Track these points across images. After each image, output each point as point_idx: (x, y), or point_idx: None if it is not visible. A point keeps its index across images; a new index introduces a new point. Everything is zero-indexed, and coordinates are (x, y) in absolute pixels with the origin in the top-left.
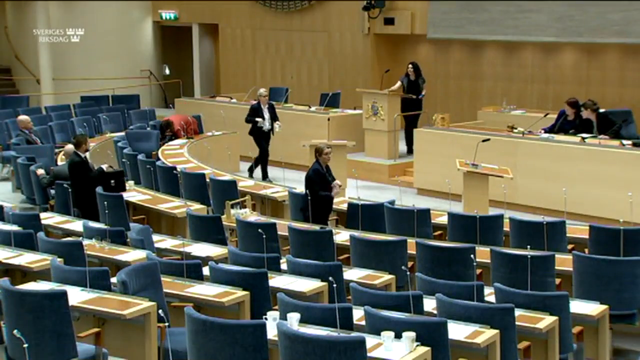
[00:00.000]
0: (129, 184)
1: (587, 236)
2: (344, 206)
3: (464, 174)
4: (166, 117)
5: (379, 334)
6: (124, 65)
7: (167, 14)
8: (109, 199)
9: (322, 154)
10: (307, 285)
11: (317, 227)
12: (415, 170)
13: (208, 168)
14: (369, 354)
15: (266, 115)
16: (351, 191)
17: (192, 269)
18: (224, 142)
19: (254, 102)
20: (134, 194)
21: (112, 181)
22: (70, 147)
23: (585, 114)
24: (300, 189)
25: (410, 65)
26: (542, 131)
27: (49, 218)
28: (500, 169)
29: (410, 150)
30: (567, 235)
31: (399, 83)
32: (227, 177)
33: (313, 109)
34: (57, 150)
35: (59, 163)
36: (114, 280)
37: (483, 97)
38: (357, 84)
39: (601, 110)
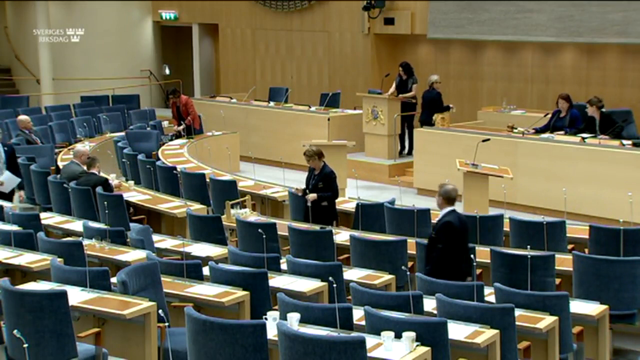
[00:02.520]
0: (129, 184)
1: (587, 236)
2: (344, 206)
3: (464, 174)
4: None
5: (379, 334)
6: (124, 65)
7: (167, 14)
8: (109, 199)
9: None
10: (307, 285)
11: (317, 227)
12: (415, 170)
13: (208, 168)
14: (369, 354)
15: None
16: (351, 191)
17: (192, 269)
18: (224, 142)
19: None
20: (134, 194)
21: None
22: (79, 149)
23: (590, 111)
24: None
25: (400, 67)
26: (533, 130)
27: (49, 218)
28: (500, 169)
29: (401, 151)
30: (567, 235)
31: (393, 86)
32: (227, 177)
33: (313, 109)
34: (57, 150)
35: (60, 163)
36: (114, 280)
37: (483, 97)
38: (357, 84)
39: (604, 110)
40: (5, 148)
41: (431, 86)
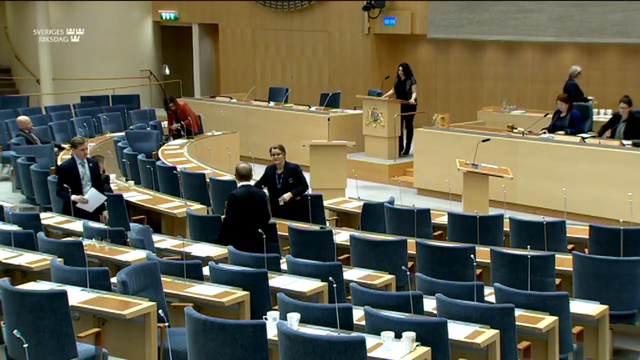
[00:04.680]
0: (129, 183)
1: (587, 236)
2: (345, 206)
3: (464, 174)
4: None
5: (379, 334)
6: (124, 65)
7: (167, 14)
8: (109, 199)
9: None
10: (307, 285)
11: (317, 227)
12: (415, 170)
13: (208, 168)
14: (369, 354)
15: None
16: (351, 191)
17: (192, 269)
18: (224, 142)
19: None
20: (134, 194)
21: None
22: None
23: (621, 110)
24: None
25: (400, 67)
26: (546, 131)
27: (49, 218)
28: (500, 169)
29: (400, 152)
30: (567, 235)
31: (392, 90)
32: (227, 177)
33: (313, 109)
34: (57, 150)
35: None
36: (114, 280)
37: (483, 97)
38: (357, 84)
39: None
40: (90, 164)
41: (570, 77)
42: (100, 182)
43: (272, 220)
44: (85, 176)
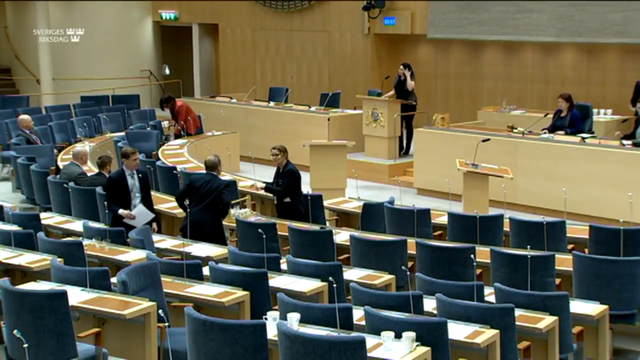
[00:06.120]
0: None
1: (587, 236)
2: (345, 206)
3: (464, 174)
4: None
5: (379, 334)
6: (124, 65)
7: (167, 14)
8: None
9: None
10: (307, 285)
11: (317, 227)
12: (415, 170)
13: None
14: (369, 354)
15: None
16: (351, 191)
17: (192, 269)
18: (224, 142)
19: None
20: None
21: None
22: (78, 150)
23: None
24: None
25: (401, 67)
26: (547, 131)
27: (49, 218)
28: (500, 169)
29: (400, 152)
30: (567, 235)
31: (392, 91)
32: (227, 177)
33: (313, 109)
34: (56, 150)
35: (60, 163)
36: (114, 280)
37: (483, 97)
38: (357, 84)
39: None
40: (140, 175)
41: None
42: (149, 194)
43: (273, 220)
44: (134, 188)
